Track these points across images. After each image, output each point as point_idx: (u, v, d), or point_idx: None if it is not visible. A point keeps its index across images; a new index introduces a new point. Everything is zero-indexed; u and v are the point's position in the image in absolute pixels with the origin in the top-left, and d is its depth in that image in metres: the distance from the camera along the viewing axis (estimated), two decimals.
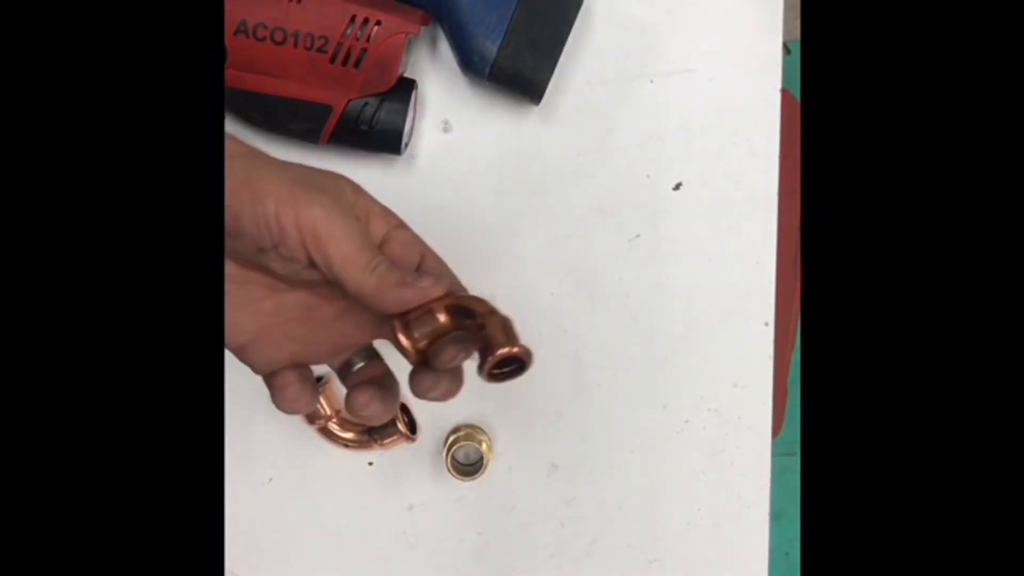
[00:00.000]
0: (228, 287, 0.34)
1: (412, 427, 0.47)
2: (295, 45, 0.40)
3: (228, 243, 0.32)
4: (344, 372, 0.38)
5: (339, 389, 0.47)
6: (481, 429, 0.48)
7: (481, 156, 0.46)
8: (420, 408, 0.48)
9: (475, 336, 0.34)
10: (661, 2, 0.46)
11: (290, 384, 0.35)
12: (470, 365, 0.35)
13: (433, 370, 0.34)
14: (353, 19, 0.41)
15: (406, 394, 0.47)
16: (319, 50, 0.41)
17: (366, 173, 0.46)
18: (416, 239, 0.38)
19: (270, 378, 0.36)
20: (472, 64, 0.43)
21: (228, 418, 0.46)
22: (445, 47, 0.45)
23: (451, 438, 0.47)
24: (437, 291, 0.34)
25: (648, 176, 0.47)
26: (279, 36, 0.40)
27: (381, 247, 0.36)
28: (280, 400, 0.35)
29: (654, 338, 0.48)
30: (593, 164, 0.47)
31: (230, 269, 0.34)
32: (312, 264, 0.33)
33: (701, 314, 0.48)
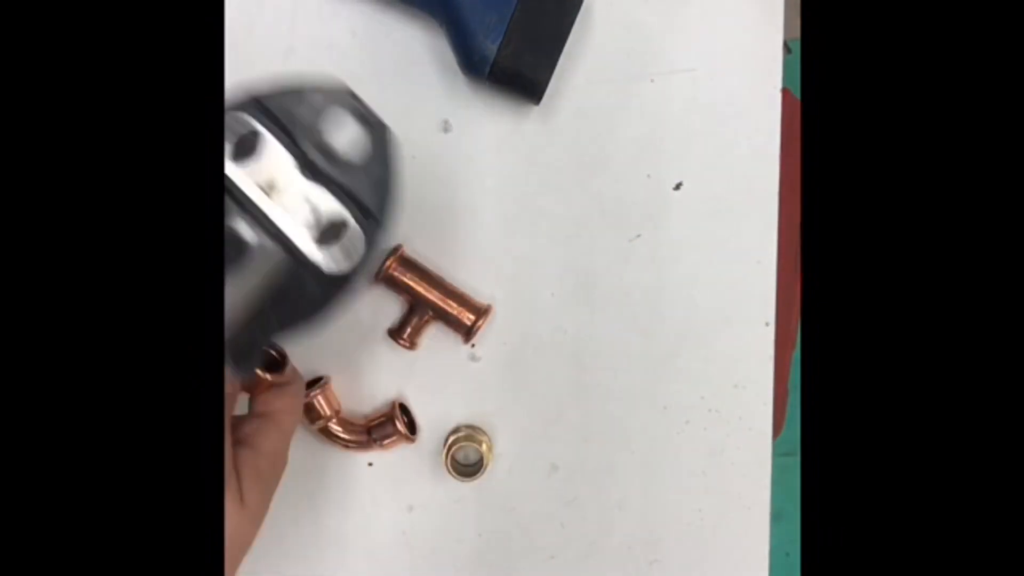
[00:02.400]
0: None
1: (412, 428, 0.47)
2: None
3: None
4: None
5: (339, 390, 0.47)
6: (481, 430, 0.48)
7: (481, 156, 0.46)
8: (419, 409, 0.48)
9: None
10: (661, 2, 0.46)
11: None
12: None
13: None
14: None
15: (405, 394, 0.48)
16: None
17: None
18: None
19: None
20: (472, 64, 0.43)
21: (228, 418, 0.46)
22: (445, 47, 0.45)
23: (451, 439, 0.47)
24: None
25: (648, 176, 0.47)
26: None
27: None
28: None
29: (654, 338, 0.48)
30: (593, 164, 0.47)
31: None
32: None
33: (701, 314, 0.48)
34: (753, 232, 0.47)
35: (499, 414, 0.48)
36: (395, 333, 0.46)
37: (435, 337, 0.47)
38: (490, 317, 0.46)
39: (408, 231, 0.46)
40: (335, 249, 0.36)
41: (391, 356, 0.47)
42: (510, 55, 0.43)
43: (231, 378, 0.37)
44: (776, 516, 0.49)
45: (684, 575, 0.49)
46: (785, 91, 0.47)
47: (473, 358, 0.47)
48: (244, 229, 0.35)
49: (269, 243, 0.35)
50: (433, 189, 0.46)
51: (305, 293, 0.36)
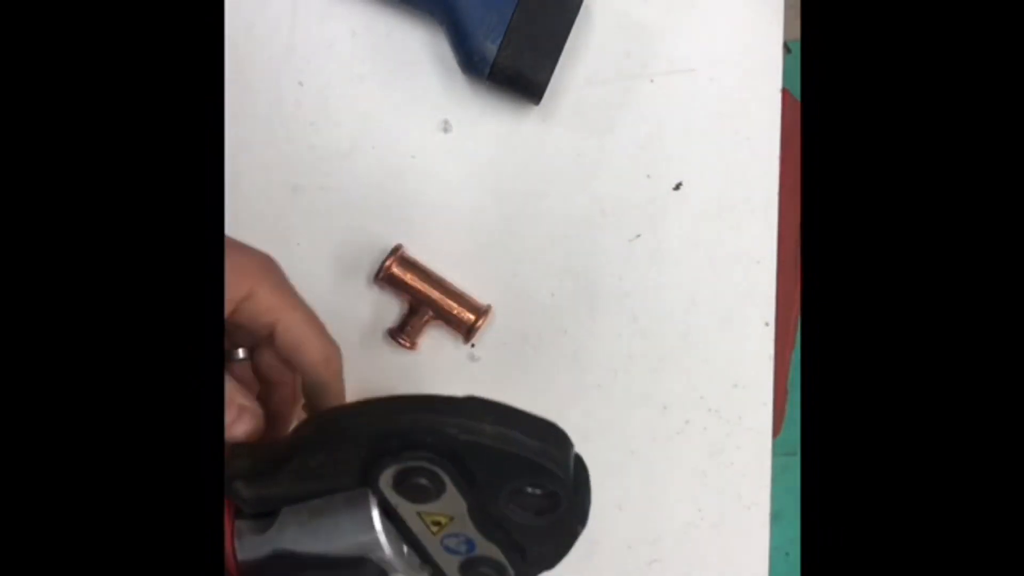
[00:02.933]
0: None
1: None
2: None
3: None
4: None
5: None
6: None
7: (481, 156, 0.46)
8: None
9: None
10: (661, 2, 0.46)
11: None
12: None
13: None
14: None
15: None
16: None
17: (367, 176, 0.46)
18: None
19: None
20: (472, 64, 0.43)
21: None
22: (445, 47, 0.45)
23: None
24: None
25: (648, 176, 0.47)
26: None
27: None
28: None
29: (654, 338, 0.47)
30: (593, 164, 0.47)
31: None
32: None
33: (701, 314, 0.48)
34: (753, 232, 0.47)
35: None
36: (395, 333, 0.46)
37: (435, 337, 0.47)
38: (490, 317, 0.46)
39: (408, 231, 0.46)
40: None
41: (391, 356, 0.47)
42: (510, 55, 0.43)
43: None
44: (776, 516, 0.49)
45: (684, 575, 0.49)
46: (785, 91, 0.47)
47: (473, 358, 0.47)
48: (396, 555, 0.34)
49: (414, 569, 0.35)
50: (433, 189, 0.46)
51: None
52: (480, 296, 0.46)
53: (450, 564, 0.34)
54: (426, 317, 0.45)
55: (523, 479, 0.32)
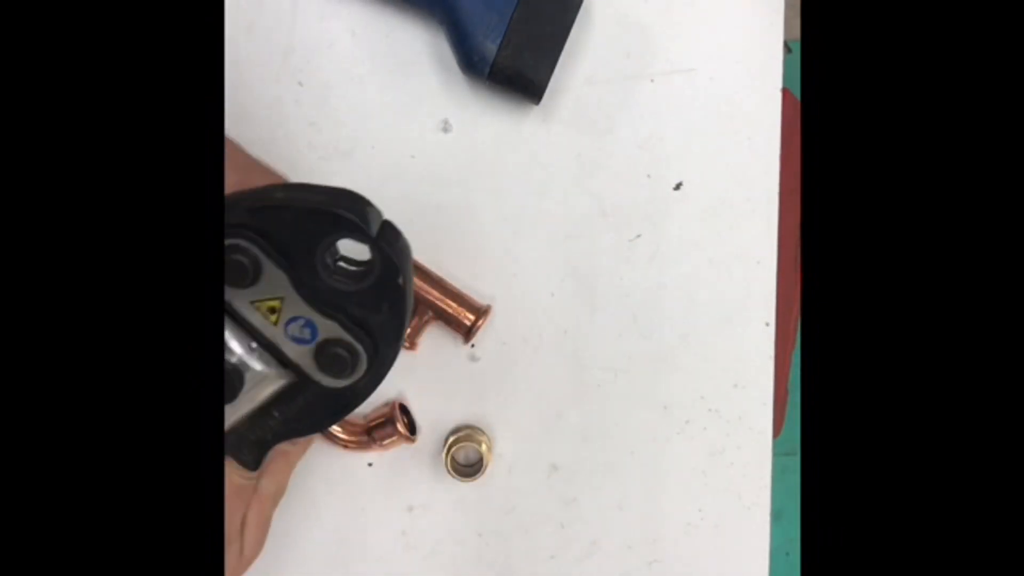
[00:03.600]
0: None
1: (412, 428, 0.47)
2: None
3: None
4: None
5: None
6: (481, 430, 0.48)
7: (481, 156, 0.46)
8: (419, 409, 0.48)
9: None
10: (661, 2, 0.46)
11: None
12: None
13: None
14: None
15: (405, 394, 0.48)
16: None
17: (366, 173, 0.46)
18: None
19: None
20: (472, 64, 0.43)
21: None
22: (445, 47, 0.45)
23: (451, 439, 0.47)
24: None
25: (648, 176, 0.47)
26: None
27: None
28: None
29: (654, 338, 0.48)
30: (593, 164, 0.47)
31: None
32: None
33: (701, 314, 0.48)
34: (753, 232, 0.47)
35: (499, 414, 0.48)
36: None
37: (435, 337, 0.47)
38: (490, 317, 0.46)
39: (408, 231, 0.46)
40: (336, 369, 0.36)
41: None
42: (510, 55, 0.43)
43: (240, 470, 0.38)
44: (776, 516, 0.49)
45: (684, 575, 0.49)
46: (785, 91, 0.47)
47: (473, 358, 0.47)
48: (246, 352, 0.36)
49: (271, 367, 0.36)
50: (433, 189, 0.46)
51: (308, 403, 0.37)
52: (480, 296, 0.46)
53: (304, 357, 0.36)
54: (426, 317, 0.45)
55: (324, 233, 0.33)
